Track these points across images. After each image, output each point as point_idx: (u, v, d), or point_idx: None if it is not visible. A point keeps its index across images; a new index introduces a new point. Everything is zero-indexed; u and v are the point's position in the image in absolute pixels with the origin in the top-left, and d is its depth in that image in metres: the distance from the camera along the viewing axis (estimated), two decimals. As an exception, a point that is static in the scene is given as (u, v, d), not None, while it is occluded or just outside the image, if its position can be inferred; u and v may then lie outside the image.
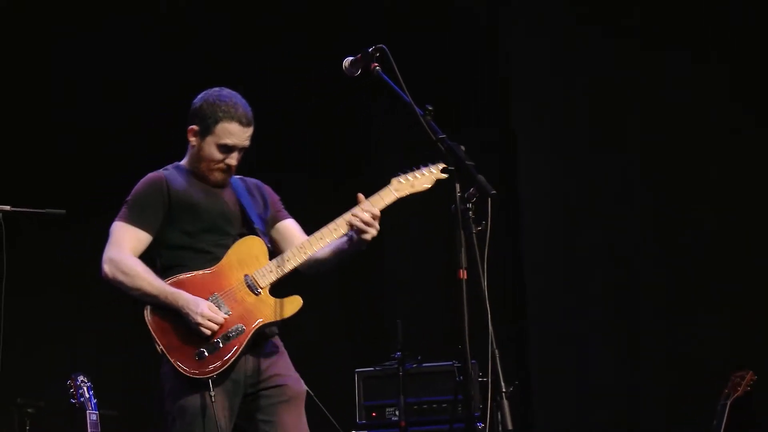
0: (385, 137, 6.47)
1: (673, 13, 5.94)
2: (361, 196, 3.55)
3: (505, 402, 2.97)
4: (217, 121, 3.59)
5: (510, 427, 2.94)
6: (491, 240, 3.08)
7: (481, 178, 3.07)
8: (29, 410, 5.34)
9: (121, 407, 5.59)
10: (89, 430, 4.93)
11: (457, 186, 3.09)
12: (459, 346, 4.94)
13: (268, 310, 3.54)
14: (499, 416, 2.96)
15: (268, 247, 3.62)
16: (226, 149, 3.61)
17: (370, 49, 3.38)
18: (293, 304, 3.56)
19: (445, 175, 3.42)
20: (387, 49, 3.34)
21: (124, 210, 3.64)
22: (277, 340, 3.67)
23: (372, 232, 3.50)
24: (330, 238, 3.57)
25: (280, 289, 3.61)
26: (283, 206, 3.82)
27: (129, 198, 3.65)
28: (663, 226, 5.93)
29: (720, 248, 5.78)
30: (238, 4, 6.57)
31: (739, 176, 5.81)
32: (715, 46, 5.88)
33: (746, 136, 5.81)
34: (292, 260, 3.57)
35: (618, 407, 5.87)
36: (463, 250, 3.03)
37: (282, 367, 3.62)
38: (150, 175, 3.69)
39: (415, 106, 3.20)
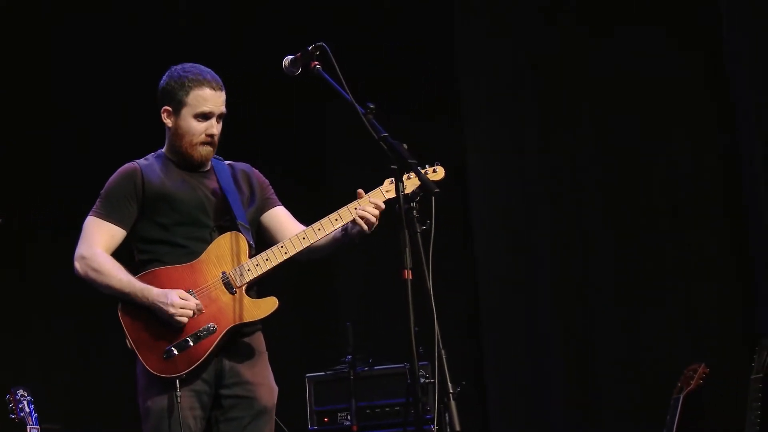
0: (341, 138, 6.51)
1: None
2: (361, 191, 3.59)
3: (453, 403, 3.00)
4: (188, 92, 3.59)
5: (458, 428, 2.98)
6: (442, 239, 3.12)
7: (424, 176, 3.11)
8: (-33, 427, 5.27)
9: (63, 421, 5.55)
10: (30, 445, 4.88)
11: (400, 185, 3.13)
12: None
13: (242, 310, 3.53)
14: (447, 417, 3.00)
15: (250, 244, 3.60)
16: (203, 117, 3.60)
17: (309, 47, 3.42)
18: (268, 305, 3.56)
19: (438, 177, 3.58)
20: (327, 47, 3.37)
21: (97, 204, 3.64)
22: (256, 340, 3.65)
23: (372, 227, 3.54)
24: (313, 237, 3.58)
25: (260, 287, 3.62)
26: (272, 192, 3.81)
27: (102, 191, 3.65)
28: (614, 220, 5.99)
29: (670, 240, 5.86)
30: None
31: (692, 166, 5.87)
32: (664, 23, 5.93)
33: (702, 121, 5.87)
34: (271, 260, 3.57)
35: (574, 404, 5.93)
36: (407, 250, 3.06)
37: (257, 374, 3.62)
38: (124, 166, 3.67)
39: (356, 105, 3.24)
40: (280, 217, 3.76)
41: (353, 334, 5.39)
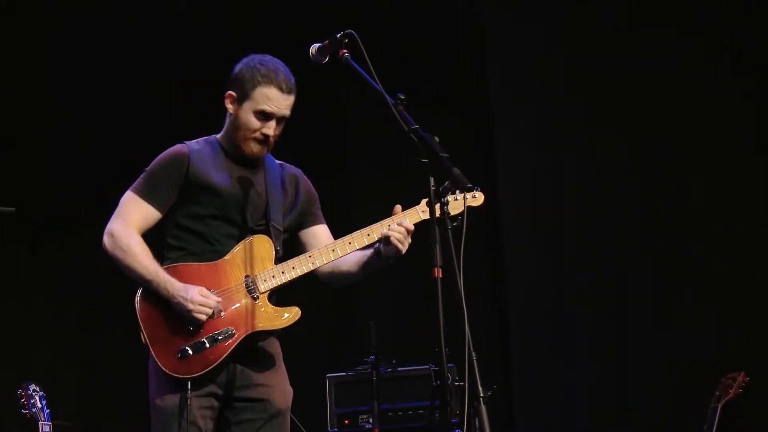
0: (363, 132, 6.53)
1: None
2: (398, 207, 3.57)
3: (483, 407, 2.98)
4: (255, 86, 3.57)
5: (488, 433, 2.95)
6: (470, 237, 3.10)
7: (456, 170, 3.07)
8: (-24, 422, 5.31)
9: (75, 418, 5.58)
10: (41, 442, 4.90)
11: (431, 179, 3.10)
12: (436, 349, 4.96)
13: (263, 317, 3.52)
14: (477, 422, 2.98)
15: (277, 249, 3.59)
16: (263, 116, 3.58)
17: (338, 35, 3.39)
18: (291, 315, 3.55)
19: (477, 203, 3.59)
20: (356, 35, 3.34)
21: (139, 181, 3.63)
22: (270, 342, 3.63)
23: (407, 245, 3.52)
24: (343, 251, 3.57)
25: (281, 294, 3.61)
26: (319, 207, 3.79)
27: (147, 168, 3.64)
28: (650, 224, 5.97)
29: (708, 246, 5.83)
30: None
31: (732, 173, 5.86)
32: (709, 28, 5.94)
33: (741, 128, 5.86)
34: (297, 268, 3.56)
35: (604, 412, 5.91)
36: (437, 247, 3.04)
37: (271, 377, 3.60)
38: (174, 147, 3.67)
39: (386, 95, 3.21)
40: (317, 237, 3.75)
41: (376, 333, 5.37)
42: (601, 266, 6.03)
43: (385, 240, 3.52)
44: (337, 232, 3.74)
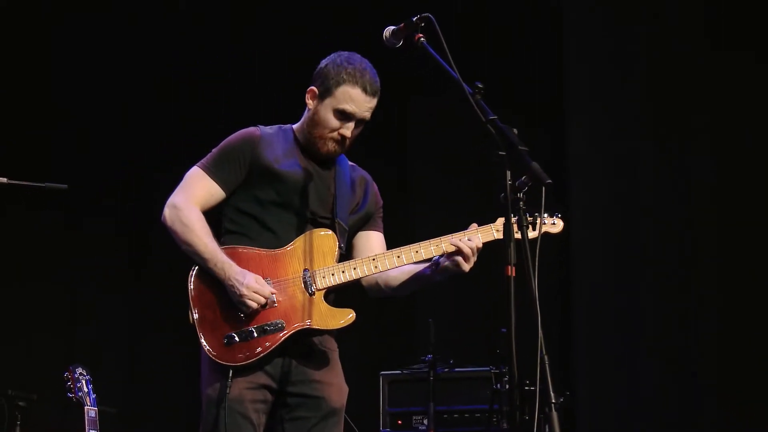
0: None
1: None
2: (474, 225, 3.55)
3: (554, 414, 2.95)
4: (339, 84, 3.57)
5: (559, 442, 2.93)
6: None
7: (535, 165, 3.02)
8: (20, 403, 5.37)
9: (121, 404, 5.64)
10: (87, 427, 4.94)
11: (508, 173, 3.04)
12: (497, 351, 4.92)
13: (317, 315, 3.51)
14: (547, 429, 2.95)
15: (340, 246, 3.59)
16: (343, 116, 3.58)
17: (414, 18, 3.38)
18: (344, 316, 3.53)
19: (555, 230, 3.58)
20: (434, 19, 3.32)
21: (207, 157, 3.65)
22: (328, 340, 3.63)
23: (471, 264, 3.50)
24: (408, 258, 3.55)
25: (338, 294, 3.60)
26: (381, 216, 3.80)
27: (217, 147, 3.66)
28: (726, 230, 5.89)
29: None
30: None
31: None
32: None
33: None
34: (359, 269, 3.55)
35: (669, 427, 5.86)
36: (512, 244, 3.01)
37: (325, 373, 3.60)
38: (246, 129, 3.68)
39: (463, 84, 3.18)
40: (372, 242, 3.74)
41: (435, 331, 5.34)
42: (670, 271, 5.96)
43: (449, 254, 3.50)
44: (397, 235, 3.75)
